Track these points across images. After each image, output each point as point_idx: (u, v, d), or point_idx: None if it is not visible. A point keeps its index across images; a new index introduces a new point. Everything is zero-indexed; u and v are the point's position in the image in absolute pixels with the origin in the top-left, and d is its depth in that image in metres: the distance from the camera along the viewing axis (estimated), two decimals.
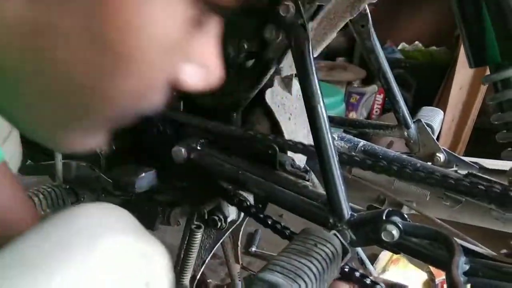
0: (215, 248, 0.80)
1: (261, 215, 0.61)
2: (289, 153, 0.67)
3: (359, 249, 0.74)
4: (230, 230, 0.77)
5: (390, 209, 0.49)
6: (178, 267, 0.79)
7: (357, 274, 0.55)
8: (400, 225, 0.47)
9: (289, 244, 0.43)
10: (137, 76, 0.24)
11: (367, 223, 0.50)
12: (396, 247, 0.49)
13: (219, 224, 0.73)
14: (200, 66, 0.27)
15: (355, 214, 0.52)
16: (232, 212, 0.74)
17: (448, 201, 0.71)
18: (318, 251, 0.42)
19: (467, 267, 0.42)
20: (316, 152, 0.52)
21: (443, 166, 0.77)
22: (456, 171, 0.76)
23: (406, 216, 0.49)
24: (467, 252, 0.47)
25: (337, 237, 0.46)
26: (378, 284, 0.56)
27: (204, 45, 0.26)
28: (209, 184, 0.71)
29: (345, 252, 0.46)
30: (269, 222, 0.59)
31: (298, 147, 0.57)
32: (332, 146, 0.52)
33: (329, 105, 1.84)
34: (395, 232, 0.47)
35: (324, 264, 0.41)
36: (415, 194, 0.74)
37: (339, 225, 0.51)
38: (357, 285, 0.57)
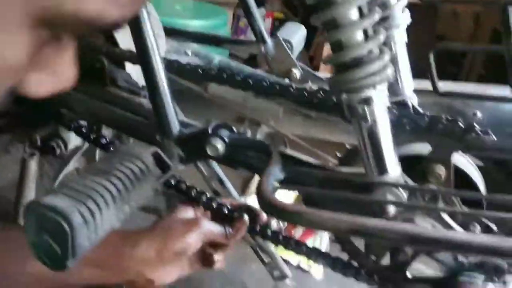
0: (61, 177, 0.73)
1: (93, 136, 0.55)
2: (129, 67, 0.60)
3: (217, 168, 0.72)
4: (76, 156, 0.70)
5: (218, 123, 0.47)
6: (20, 200, 0.72)
7: (204, 198, 0.54)
8: (225, 138, 0.45)
9: (94, 163, 0.38)
10: None
11: (195, 139, 0.47)
12: (224, 160, 0.47)
13: (58, 151, 0.65)
14: (51, 74, 0.23)
15: (185, 130, 0.48)
16: (75, 138, 0.67)
17: (300, 116, 0.72)
18: (122, 169, 0.38)
19: (282, 175, 0.41)
20: (139, 63, 0.47)
21: (299, 82, 0.77)
22: (310, 87, 0.76)
23: (233, 128, 0.47)
24: (295, 162, 0.47)
25: (155, 153, 0.42)
26: (224, 205, 0.55)
27: (55, 55, 0.22)
28: (42, 108, 0.63)
29: (165, 169, 0.43)
30: (100, 142, 0.53)
31: (126, 55, 0.51)
32: (156, 54, 0.46)
33: (209, 27, 1.75)
34: (220, 146, 0.45)
35: (128, 183, 0.37)
36: (270, 111, 0.74)
37: (165, 142, 0.47)
38: (204, 208, 0.55)
